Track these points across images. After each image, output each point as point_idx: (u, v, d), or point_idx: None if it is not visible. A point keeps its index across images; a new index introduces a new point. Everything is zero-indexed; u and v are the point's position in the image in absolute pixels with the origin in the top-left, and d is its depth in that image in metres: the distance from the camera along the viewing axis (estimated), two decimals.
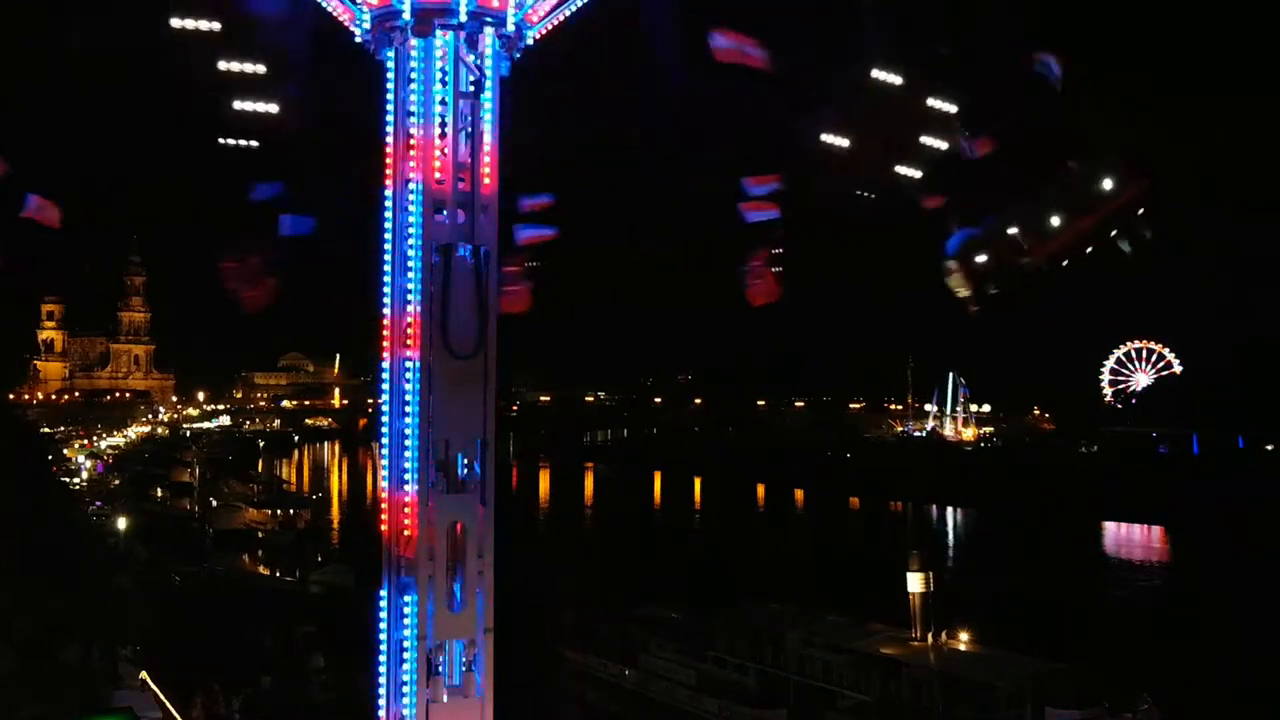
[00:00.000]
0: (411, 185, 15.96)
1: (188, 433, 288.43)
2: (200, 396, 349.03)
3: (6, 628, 38.14)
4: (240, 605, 73.49)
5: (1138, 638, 72.53)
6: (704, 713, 60.28)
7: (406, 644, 15.77)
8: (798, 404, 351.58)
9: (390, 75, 16.08)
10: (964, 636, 58.00)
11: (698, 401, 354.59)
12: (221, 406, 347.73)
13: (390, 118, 16.04)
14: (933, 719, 52.43)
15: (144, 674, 49.35)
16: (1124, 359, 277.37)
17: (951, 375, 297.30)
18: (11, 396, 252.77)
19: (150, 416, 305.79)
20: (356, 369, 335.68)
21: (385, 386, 16.24)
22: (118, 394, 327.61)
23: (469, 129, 16.08)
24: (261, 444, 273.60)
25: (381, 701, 16.06)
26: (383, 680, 16.07)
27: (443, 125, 15.78)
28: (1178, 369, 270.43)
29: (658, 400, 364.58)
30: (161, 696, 47.65)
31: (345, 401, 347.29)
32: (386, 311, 16.16)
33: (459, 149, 16.04)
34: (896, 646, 56.50)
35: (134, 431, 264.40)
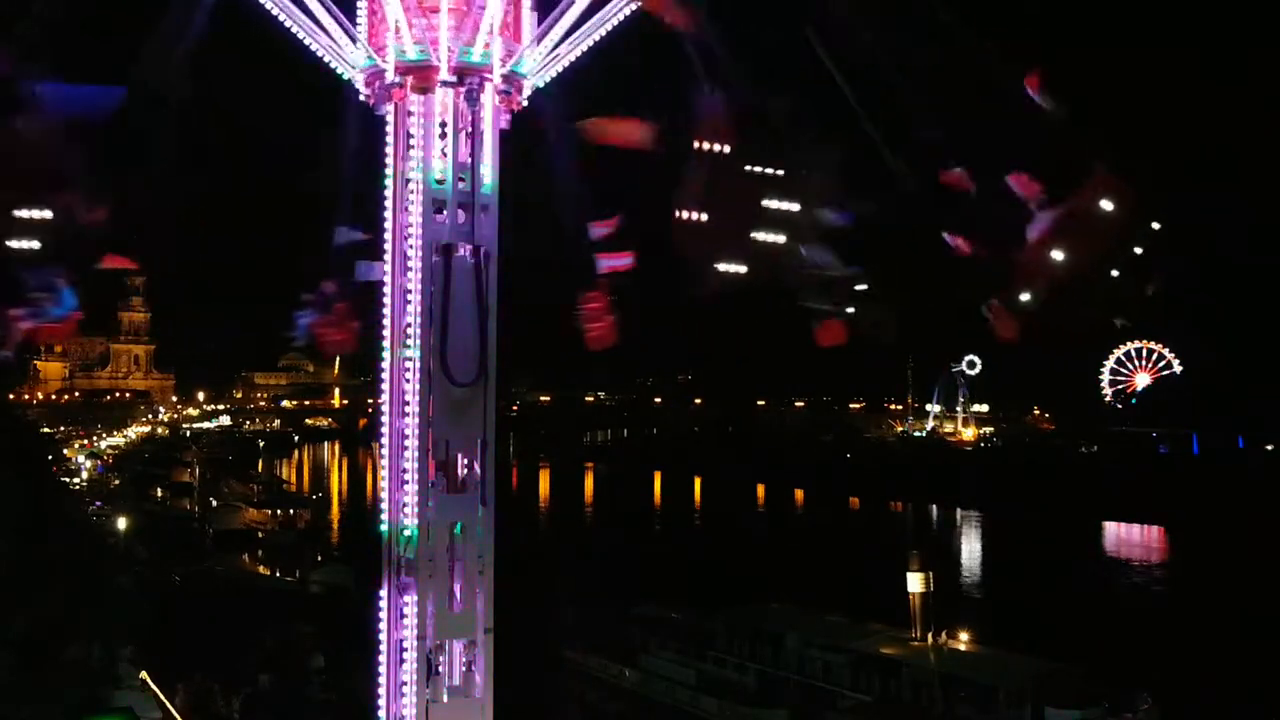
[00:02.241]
0: (411, 185, 16.01)
1: (188, 433, 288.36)
2: (200, 396, 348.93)
3: (6, 628, 38.11)
4: (240, 605, 73.45)
5: (1138, 638, 72.47)
6: (704, 713, 60.30)
7: (406, 644, 15.78)
8: (798, 404, 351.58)
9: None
10: (964, 636, 58.05)
11: (698, 401, 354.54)
12: (221, 406, 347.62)
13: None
14: (932, 719, 52.45)
15: (144, 674, 49.40)
16: (1124, 359, 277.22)
17: (952, 375, 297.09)
18: (11, 396, 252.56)
19: (150, 416, 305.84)
20: (356, 369, 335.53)
21: (385, 386, 16.25)
22: (118, 394, 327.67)
23: (469, 129, 16.12)
24: (261, 444, 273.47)
25: (381, 701, 16.06)
26: (383, 680, 16.07)
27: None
28: (1178, 369, 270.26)
29: (658, 400, 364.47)
30: (161, 696, 47.71)
31: (345, 401, 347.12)
32: (386, 311, 16.18)
33: (459, 149, 16.09)
34: (896, 646, 56.53)
35: (134, 431, 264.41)
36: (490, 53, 15.91)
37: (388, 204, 16.29)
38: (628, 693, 64.64)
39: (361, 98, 16.36)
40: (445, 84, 15.73)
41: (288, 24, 15.95)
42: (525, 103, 16.48)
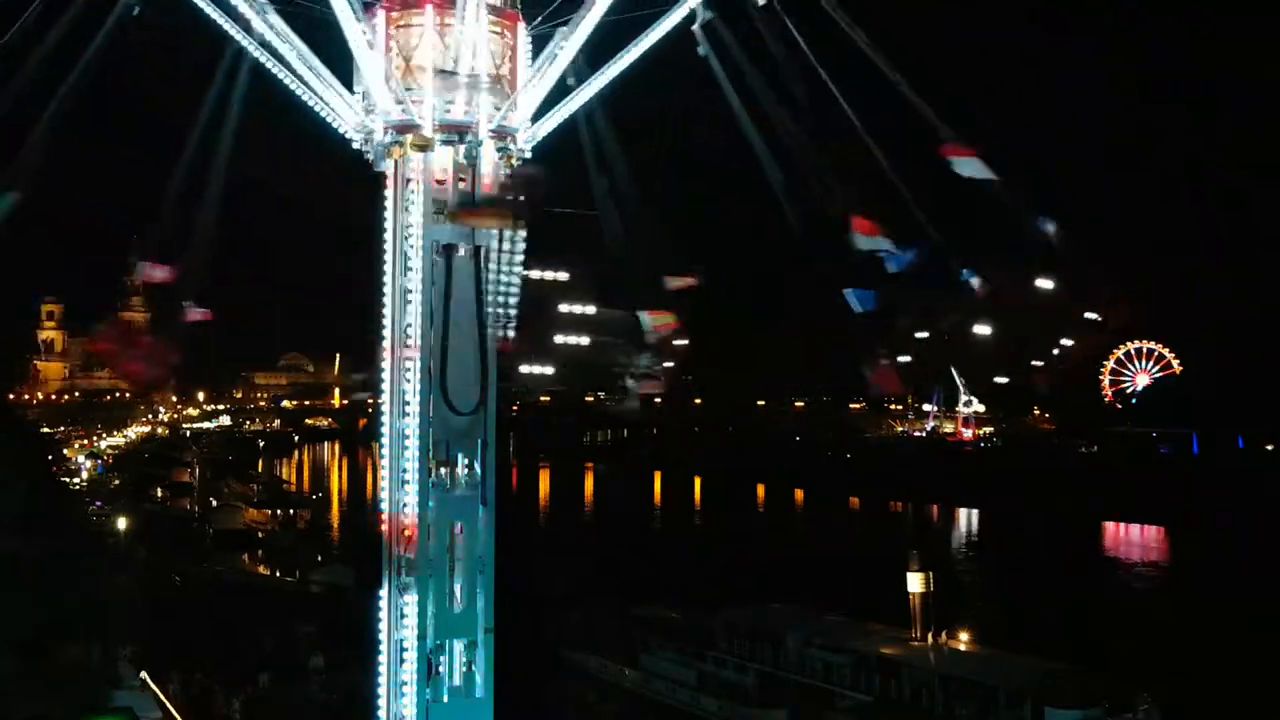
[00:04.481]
0: (412, 185, 16.04)
1: (188, 433, 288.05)
2: (200, 396, 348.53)
3: (6, 627, 38.11)
4: (240, 605, 73.50)
5: (1138, 638, 72.48)
6: (704, 713, 60.34)
7: (406, 644, 15.79)
8: (798, 404, 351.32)
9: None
10: (964, 636, 58.02)
11: (698, 402, 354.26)
12: (221, 406, 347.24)
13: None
14: (933, 719, 52.46)
15: (144, 674, 49.44)
16: (1124, 359, 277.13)
17: (952, 375, 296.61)
18: (11, 396, 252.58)
19: (150, 416, 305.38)
20: (356, 369, 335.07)
21: (385, 387, 16.26)
22: (118, 394, 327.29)
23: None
24: (261, 444, 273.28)
25: (381, 701, 16.08)
26: (383, 680, 16.09)
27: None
28: (1178, 369, 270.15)
29: (658, 400, 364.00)
30: (161, 696, 47.74)
31: (345, 401, 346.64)
32: (387, 312, 16.21)
33: (459, 149, 16.16)
34: (896, 646, 56.53)
35: (134, 431, 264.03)
36: (519, 120, 16.35)
37: (388, 203, 16.35)
38: (628, 693, 64.67)
39: (356, 146, 16.47)
40: (446, 142, 15.89)
41: (294, 88, 16.17)
42: (530, 149, 16.74)
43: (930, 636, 56.42)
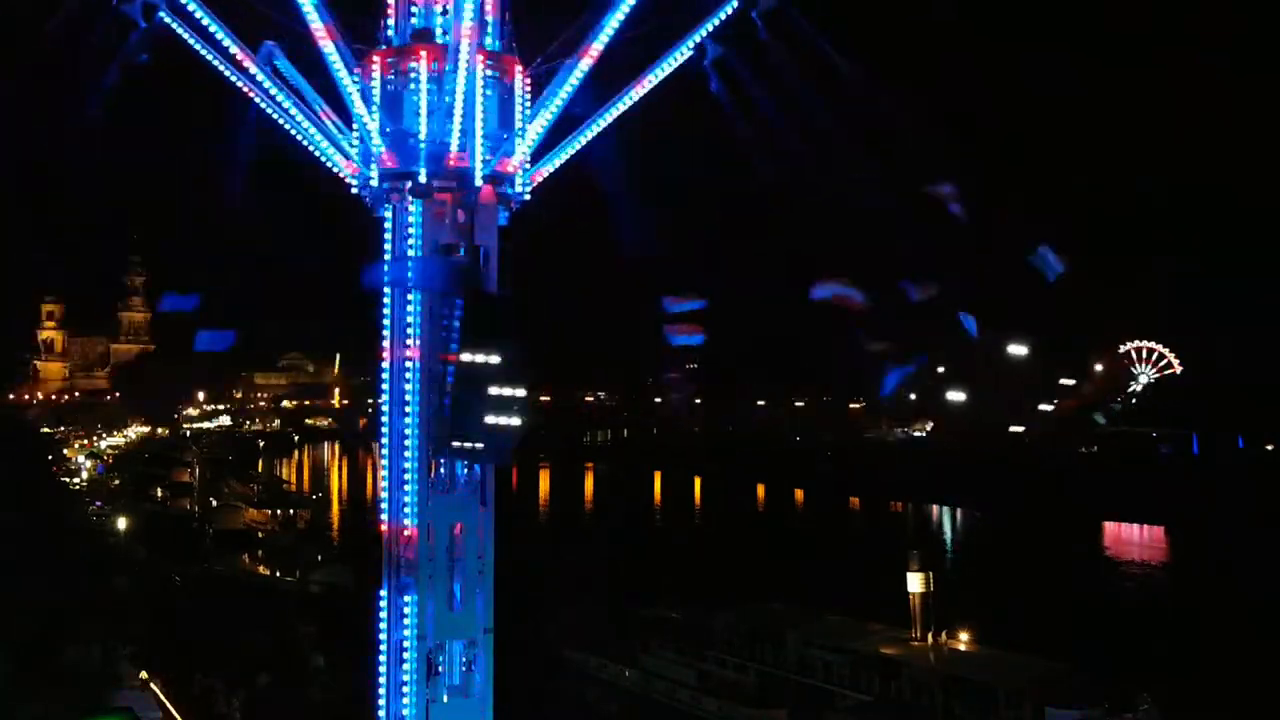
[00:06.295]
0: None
1: (188, 433, 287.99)
2: (200, 396, 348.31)
3: (6, 628, 38.14)
4: (240, 605, 73.46)
5: (1138, 638, 72.47)
6: (704, 713, 60.37)
7: (406, 644, 15.80)
8: (797, 404, 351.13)
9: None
10: (964, 636, 58.05)
11: (698, 401, 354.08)
12: (221, 406, 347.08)
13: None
14: (933, 719, 52.49)
15: (144, 674, 49.48)
16: (1124, 359, 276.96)
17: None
18: (11, 396, 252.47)
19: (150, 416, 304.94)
20: (356, 369, 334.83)
21: (385, 386, 16.28)
22: (118, 394, 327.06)
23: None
24: (261, 444, 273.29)
25: (381, 701, 16.09)
26: (383, 680, 16.10)
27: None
28: (1178, 369, 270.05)
29: (658, 400, 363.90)
30: (161, 696, 47.76)
31: (345, 402, 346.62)
32: (387, 311, 16.22)
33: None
34: (896, 646, 56.58)
35: (134, 431, 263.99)
36: (518, 163, 16.50)
37: (389, 205, 16.38)
38: (628, 693, 64.69)
39: (354, 192, 16.51)
40: (444, 189, 15.92)
41: (294, 132, 16.24)
42: (528, 195, 16.83)
43: (930, 636, 56.46)
